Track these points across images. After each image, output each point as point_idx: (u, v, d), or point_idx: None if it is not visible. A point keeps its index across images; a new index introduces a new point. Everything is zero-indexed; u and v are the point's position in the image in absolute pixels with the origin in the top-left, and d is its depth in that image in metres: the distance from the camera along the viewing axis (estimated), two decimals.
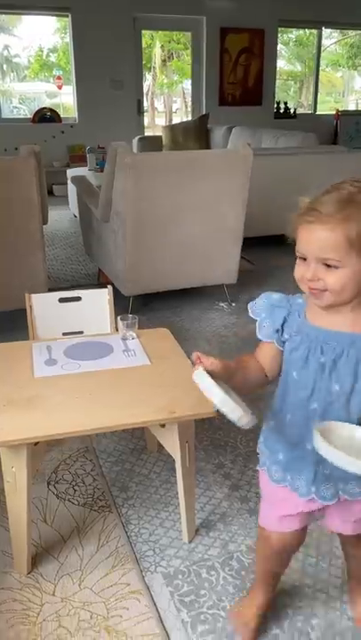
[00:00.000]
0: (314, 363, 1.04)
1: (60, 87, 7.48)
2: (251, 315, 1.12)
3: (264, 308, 1.11)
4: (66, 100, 7.47)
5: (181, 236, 3.05)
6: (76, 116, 7.04)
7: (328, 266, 0.96)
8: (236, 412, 0.94)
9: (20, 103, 7.87)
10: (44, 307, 2.00)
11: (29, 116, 7.10)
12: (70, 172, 5.44)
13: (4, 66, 7.56)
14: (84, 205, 3.50)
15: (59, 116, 7.06)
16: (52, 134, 6.84)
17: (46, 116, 6.98)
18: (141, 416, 1.41)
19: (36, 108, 7.07)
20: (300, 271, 1.00)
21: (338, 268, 0.95)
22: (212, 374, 0.99)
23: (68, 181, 5.45)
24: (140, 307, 3.20)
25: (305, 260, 0.99)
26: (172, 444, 1.53)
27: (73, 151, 6.93)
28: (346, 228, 0.93)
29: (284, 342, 1.09)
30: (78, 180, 3.66)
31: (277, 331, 1.08)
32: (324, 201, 0.96)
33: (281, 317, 1.08)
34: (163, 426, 1.55)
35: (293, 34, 8.92)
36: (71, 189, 5.22)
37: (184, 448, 1.51)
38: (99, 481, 1.86)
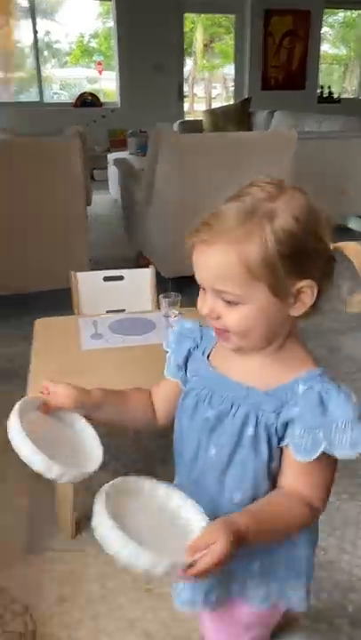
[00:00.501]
0: (199, 416, 0.81)
1: (100, 72, 7.52)
2: (164, 346, 0.91)
3: (174, 337, 0.89)
4: (106, 85, 7.51)
5: None
6: (118, 100, 7.08)
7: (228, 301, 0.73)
8: (37, 464, 0.72)
9: (61, 89, 7.96)
10: (88, 285, 2.06)
11: (70, 101, 7.19)
12: (112, 156, 5.49)
13: (45, 52, 7.62)
14: (127, 188, 3.54)
15: (99, 100, 7.11)
16: (93, 119, 6.89)
17: (87, 101, 7.04)
18: None
19: (77, 94, 7.14)
20: (199, 304, 0.77)
21: (238, 303, 0.72)
22: (61, 406, 0.84)
23: (109, 165, 5.50)
24: (180, 289, 3.23)
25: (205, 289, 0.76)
26: None
27: (114, 136, 6.97)
28: (242, 251, 0.69)
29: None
30: (121, 163, 3.70)
31: (180, 367, 0.87)
32: (221, 212, 0.72)
33: (185, 350, 0.87)
34: None
35: (340, 15, 8.70)
36: (112, 173, 5.27)
37: None
38: (140, 453, 1.91)
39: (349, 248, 0.73)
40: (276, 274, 0.69)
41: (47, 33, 7.50)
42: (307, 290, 0.71)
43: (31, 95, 7.21)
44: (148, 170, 3.01)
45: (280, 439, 0.75)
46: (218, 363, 0.82)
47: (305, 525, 0.77)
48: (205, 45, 9.60)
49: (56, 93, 7.82)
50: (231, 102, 7.30)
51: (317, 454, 0.71)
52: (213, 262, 0.71)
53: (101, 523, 0.65)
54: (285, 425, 0.74)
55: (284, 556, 0.84)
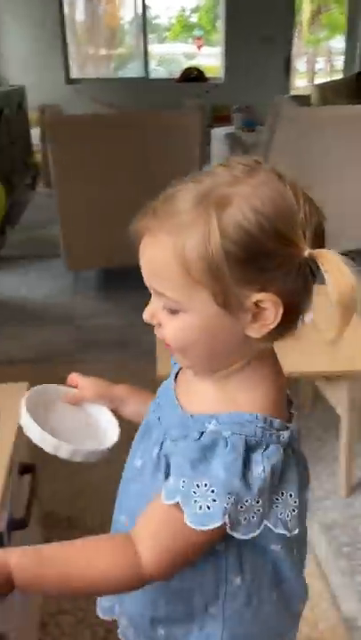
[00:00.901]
0: (148, 417, 0.72)
1: (199, 48, 7.45)
2: None
3: None
4: (205, 61, 7.40)
5: (344, 194, 2.94)
6: (223, 75, 7.00)
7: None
8: (46, 445, 0.74)
9: (158, 65, 7.96)
10: None
11: (174, 77, 7.19)
12: (217, 132, 5.45)
13: (145, 28, 7.64)
14: None
15: (204, 75, 7.06)
16: (196, 94, 6.86)
17: (192, 76, 7.01)
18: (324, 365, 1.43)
19: (175, 70, 7.14)
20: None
21: (178, 311, 0.58)
22: (85, 399, 0.84)
23: (212, 141, 5.46)
24: None
25: None
26: (340, 397, 1.53)
27: (217, 111, 6.91)
28: (181, 245, 0.55)
29: None
30: (232, 138, 3.68)
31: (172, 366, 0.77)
32: (171, 195, 0.58)
33: None
34: (328, 378, 1.56)
35: None
36: (216, 148, 5.23)
37: (353, 403, 1.51)
38: None
39: (323, 256, 0.55)
40: (222, 279, 0.54)
41: (147, 8, 7.52)
42: (268, 305, 0.55)
43: (129, 71, 7.29)
44: (264, 143, 2.96)
45: None
46: (182, 370, 0.70)
47: (127, 583, 0.61)
48: (312, 16, 9.20)
49: (154, 69, 7.82)
50: (336, 77, 6.99)
51: (170, 502, 0.57)
52: (150, 256, 0.58)
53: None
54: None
55: (197, 632, 0.69)
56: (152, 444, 0.66)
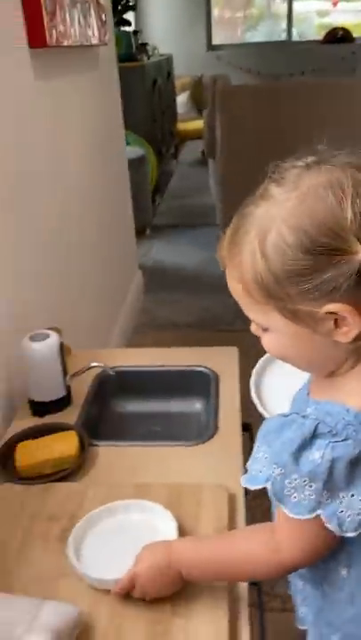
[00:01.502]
0: None
1: (335, 4, 7.00)
2: None
3: None
4: (340, 18, 6.91)
5: None
6: None
7: None
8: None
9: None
10: None
11: (299, 39, 6.87)
12: None
13: None
14: None
15: (351, 35, 6.65)
16: (341, 56, 6.52)
17: (338, 36, 6.65)
18: None
19: (306, 30, 6.80)
20: None
21: (266, 329, 0.61)
22: None
23: None
24: None
25: None
26: None
27: None
28: (239, 273, 0.59)
29: None
30: None
31: None
32: (235, 225, 0.60)
33: None
34: None
35: None
36: None
37: None
38: None
39: None
40: (282, 299, 0.56)
41: None
42: (343, 314, 0.55)
43: (259, 34, 7.07)
44: None
45: None
46: None
47: (267, 571, 0.66)
48: None
49: (285, 30, 7.47)
50: None
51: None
52: (229, 284, 0.62)
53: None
54: None
55: (320, 600, 0.73)
56: None
